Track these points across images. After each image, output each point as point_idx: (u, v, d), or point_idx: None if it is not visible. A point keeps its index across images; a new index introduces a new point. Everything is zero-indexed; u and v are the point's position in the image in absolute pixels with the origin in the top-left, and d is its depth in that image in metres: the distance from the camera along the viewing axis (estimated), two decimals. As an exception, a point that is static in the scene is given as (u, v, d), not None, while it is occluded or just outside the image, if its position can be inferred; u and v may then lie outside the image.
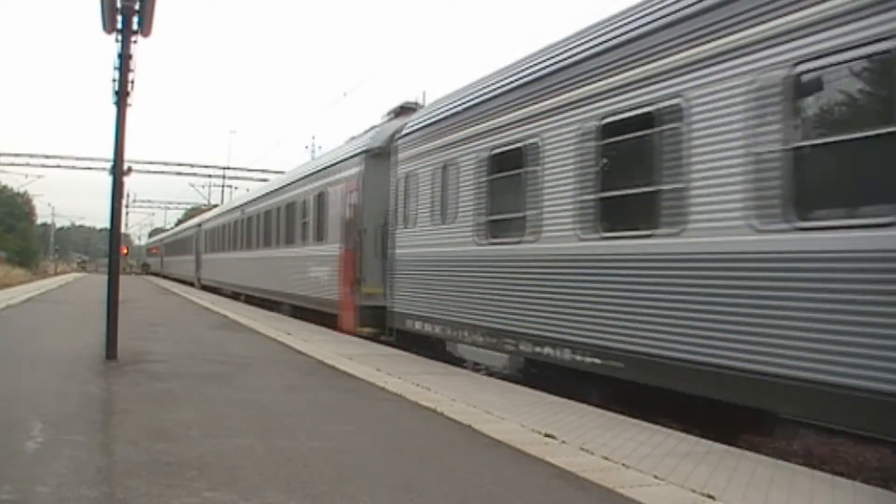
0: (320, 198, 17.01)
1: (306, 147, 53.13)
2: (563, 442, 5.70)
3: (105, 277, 9.98)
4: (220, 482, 4.28)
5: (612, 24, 7.98)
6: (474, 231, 9.94)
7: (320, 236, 16.94)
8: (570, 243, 8.01)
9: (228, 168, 54.03)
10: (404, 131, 12.71)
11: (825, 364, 5.23)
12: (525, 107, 9.00)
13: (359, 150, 14.64)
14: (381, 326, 13.07)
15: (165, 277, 61.19)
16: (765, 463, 5.35)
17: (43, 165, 50.33)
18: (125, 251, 56.32)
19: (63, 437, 5.23)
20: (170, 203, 79.32)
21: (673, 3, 7.02)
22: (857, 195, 5.36)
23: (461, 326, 10.22)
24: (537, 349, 8.47)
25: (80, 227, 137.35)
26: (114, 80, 9.35)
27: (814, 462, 5.63)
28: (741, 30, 6.08)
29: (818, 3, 5.45)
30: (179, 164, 52.86)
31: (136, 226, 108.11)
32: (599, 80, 7.74)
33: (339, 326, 14.97)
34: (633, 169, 7.35)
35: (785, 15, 5.70)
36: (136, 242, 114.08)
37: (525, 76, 9.25)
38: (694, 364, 6.31)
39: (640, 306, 6.97)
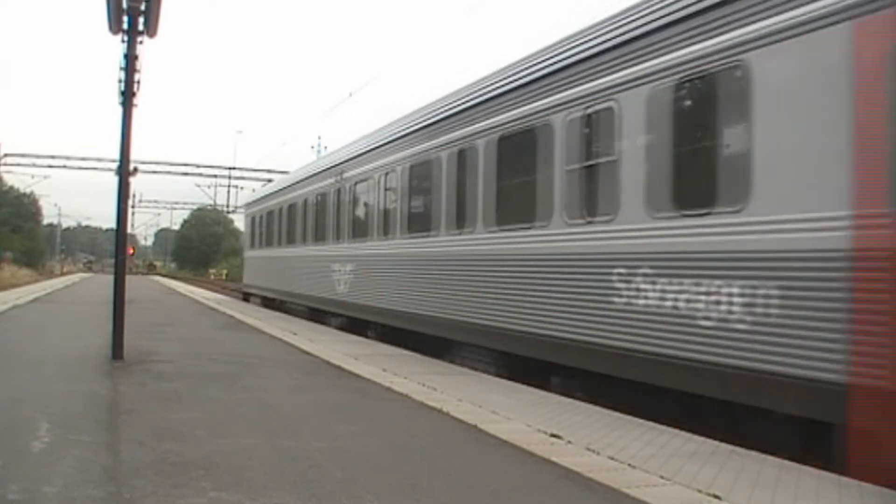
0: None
1: (312, 147, 52.99)
2: (569, 442, 5.69)
3: (111, 278, 10.00)
4: (226, 482, 4.29)
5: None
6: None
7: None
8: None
9: (234, 168, 53.95)
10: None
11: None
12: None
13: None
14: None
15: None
16: (771, 463, 5.33)
17: (49, 166, 50.42)
18: (132, 251, 56.53)
19: (69, 436, 5.25)
20: (175, 203, 79.49)
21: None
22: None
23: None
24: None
25: (87, 227, 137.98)
26: (120, 81, 9.37)
27: (820, 462, 5.61)
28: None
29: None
30: (185, 165, 52.83)
31: (143, 226, 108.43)
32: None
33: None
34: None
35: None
36: (143, 243, 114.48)
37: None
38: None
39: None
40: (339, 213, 16.46)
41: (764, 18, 5.98)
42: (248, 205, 28.95)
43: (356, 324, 15.66)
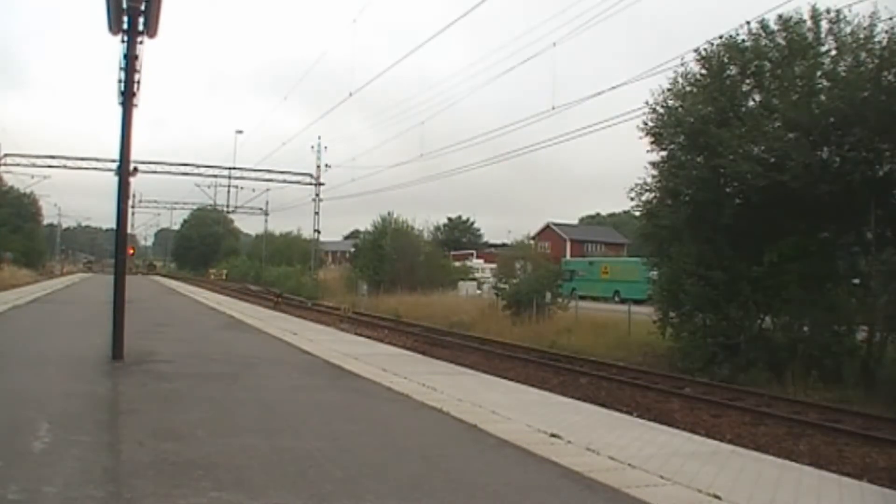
0: None
1: (312, 147, 52.91)
2: (569, 442, 5.69)
3: (111, 278, 10.00)
4: (226, 482, 4.29)
5: None
6: None
7: None
8: None
9: (234, 168, 53.85)
10: None
11: None
12: None
13: None
14: None
15: None
16: (771, 463, 5.33)
17: (49, 166, 50.35)
18: (132, 251, 56.42)
19: (70, 437, 5.24)
20: (175, 203, 79.31)
21: None
22: None
23: None
24: None
25: (86, 227, 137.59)
26: (119, 81, 9.38)
27: (821, 462, 5.60)
28: None
29: None
30: (185, 165, 52.69)
31: (142, 226, 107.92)
32: None
33: None
34: None
35: None
36: (143, 243, 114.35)
37: None
38: None
39: None
40: None
41: None
42: None
43: None
